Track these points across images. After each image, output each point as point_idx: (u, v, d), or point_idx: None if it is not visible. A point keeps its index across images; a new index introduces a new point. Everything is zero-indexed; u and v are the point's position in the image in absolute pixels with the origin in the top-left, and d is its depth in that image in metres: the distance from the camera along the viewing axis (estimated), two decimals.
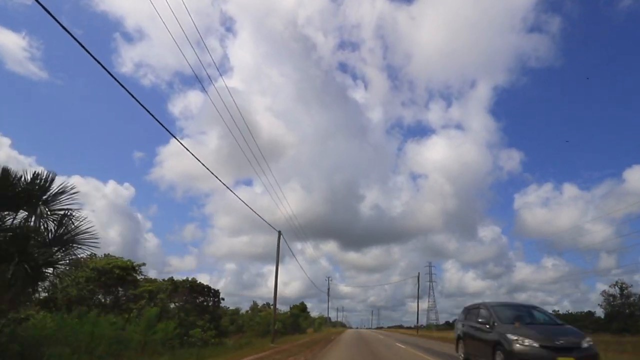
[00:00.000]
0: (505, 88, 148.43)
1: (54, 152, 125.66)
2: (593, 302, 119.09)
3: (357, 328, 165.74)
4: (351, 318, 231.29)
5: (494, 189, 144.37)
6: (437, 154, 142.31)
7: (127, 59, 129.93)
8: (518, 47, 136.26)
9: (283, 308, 61.67)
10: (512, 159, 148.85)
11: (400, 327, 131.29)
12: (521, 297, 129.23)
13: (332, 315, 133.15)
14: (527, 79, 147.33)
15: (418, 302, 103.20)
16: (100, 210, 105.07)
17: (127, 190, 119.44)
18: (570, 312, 57.34)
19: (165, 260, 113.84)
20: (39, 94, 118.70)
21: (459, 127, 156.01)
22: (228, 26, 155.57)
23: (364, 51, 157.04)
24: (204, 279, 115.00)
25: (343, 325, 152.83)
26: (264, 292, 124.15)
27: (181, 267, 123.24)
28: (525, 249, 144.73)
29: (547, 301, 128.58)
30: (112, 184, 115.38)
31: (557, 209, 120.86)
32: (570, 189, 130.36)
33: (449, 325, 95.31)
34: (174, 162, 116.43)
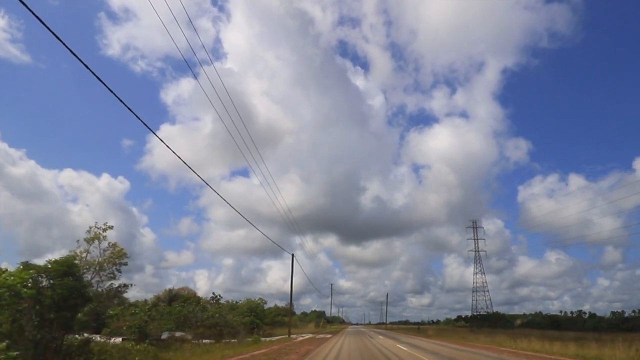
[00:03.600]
0: (515, 71, 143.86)
1: (42, 143, 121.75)
2: (594, 297, 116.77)
3: (356, 324, 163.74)
4: (351, 314, 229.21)
5: (500, 180, 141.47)
6: (440, 144, 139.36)
7: (114, 41, 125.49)
8: (533, 21, 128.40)
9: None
10: (519, 149, 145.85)
11: (407, 322, 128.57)
12: (523, 292, 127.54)
13: (332, 311, 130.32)
14: (538, 61, 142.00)
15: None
16: (95, 204, 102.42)
17: (121, 184, 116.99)
18: None
19: (163, 256, 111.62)
20: (22, 79, 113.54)
21: (463, 114, 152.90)
22: (221, 5, 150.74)
23: (365, 27, 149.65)
24: (202, 275, 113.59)
25: (342, 322, 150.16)
26: (262, 287, 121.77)
27: (178, 262, 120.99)
28: (529, 242, 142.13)
29: (549, 296, 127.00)
30: (105, 177, 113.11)
31: (563, 200, 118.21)
32: (577, 180, 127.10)
33: (464, 321, 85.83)
34: (165, 150, 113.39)
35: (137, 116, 9.69)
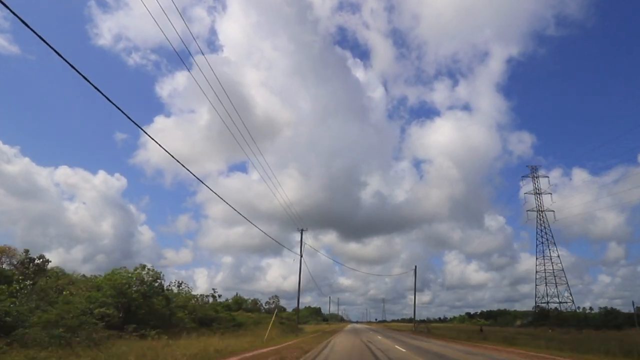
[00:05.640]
0: (520, 61, 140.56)
1: (37, 140, 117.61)
2: (595, 294, 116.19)
3: (356, 322, 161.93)
4: (351, 312, 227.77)
5: (503, 174, 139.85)
6: (442, 137, 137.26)
7: (105, 30, 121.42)
8: (540, 4, 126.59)
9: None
10: (522, 142, 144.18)
11: (411, 320, 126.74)
12: (524, 289, 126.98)
13: (330, 308, 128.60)
14: (544, 50, 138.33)
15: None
16: (91, 202, 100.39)
17: (118, 181, 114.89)
18: None
19: (161, 254, 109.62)
20: (12, 71, 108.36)
21: (466, 107, 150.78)
22: None
23: (365, 12, 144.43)
24: (201, 273, 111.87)
25: (341, 320, 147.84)
26: (262, 285, 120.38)
27: (177, 260, 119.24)
28: (531, 239, 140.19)
29: (548, 293, 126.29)
30: (102, 175, 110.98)
31: (567, 195, 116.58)
32: (580, 175, 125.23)
33: (479, 318, 79.60)
34: (160, 142, 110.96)
35: (126, 115, 8.39)
